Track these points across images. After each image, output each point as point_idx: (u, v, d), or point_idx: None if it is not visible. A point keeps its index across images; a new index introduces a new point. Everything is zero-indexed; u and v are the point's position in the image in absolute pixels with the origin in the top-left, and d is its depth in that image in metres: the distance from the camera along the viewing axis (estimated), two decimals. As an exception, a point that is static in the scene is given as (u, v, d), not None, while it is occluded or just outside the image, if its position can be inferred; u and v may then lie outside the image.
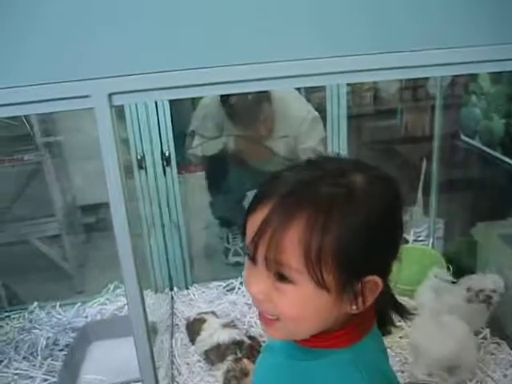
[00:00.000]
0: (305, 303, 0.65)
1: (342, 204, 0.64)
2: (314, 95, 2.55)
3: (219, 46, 0.94)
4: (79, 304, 2.13)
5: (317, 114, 2.28)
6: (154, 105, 1.93)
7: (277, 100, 2.33)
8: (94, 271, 2.43)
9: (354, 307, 0.67)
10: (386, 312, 0.78)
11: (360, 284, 0.66)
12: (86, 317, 2.06)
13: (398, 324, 0.82)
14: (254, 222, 0.66)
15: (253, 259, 0.67)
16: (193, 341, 1.87)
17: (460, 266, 2.02)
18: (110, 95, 0.93)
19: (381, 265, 0.68)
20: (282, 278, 0.65)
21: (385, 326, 0.78)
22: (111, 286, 2.19)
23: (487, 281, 1.74)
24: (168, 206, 2.07)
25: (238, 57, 0.93)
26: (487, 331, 1.80)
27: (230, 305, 2.08)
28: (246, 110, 2.22)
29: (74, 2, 0.90)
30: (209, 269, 2.49)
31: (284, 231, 0.63)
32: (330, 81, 1.01)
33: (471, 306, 1.72)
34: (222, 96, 2.17)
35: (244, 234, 0.69)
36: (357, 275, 0.65)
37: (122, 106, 2.00)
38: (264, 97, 2.24)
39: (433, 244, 2.31)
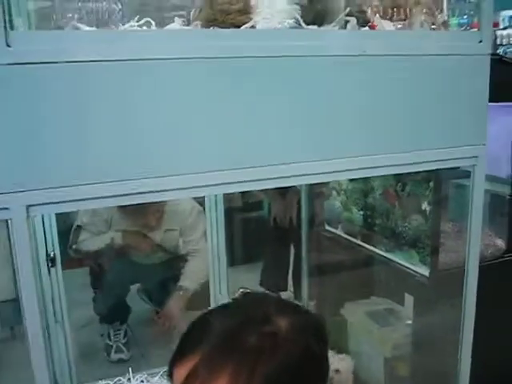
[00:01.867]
0: None
1: (267, 359, 0.67)
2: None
3: (131, 161, 1.06)
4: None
5: (200, 207, 2.44)
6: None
7: None
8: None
9: None
10: None
11: None
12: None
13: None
14: (180, 374, 0.69)
15: None
16: None
17: (335, 343, 2.21)
18: (27, 207, 1.01)
19: None
20: None
21: None
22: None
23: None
24: (53, 307, 2.05)
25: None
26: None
27: (120, 403, 2.07)
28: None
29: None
30: (94, 367, 2.45)
31: None
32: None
33: None
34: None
35: (171, 376, 0.73)
36: None
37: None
38: None
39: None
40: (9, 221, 1.03)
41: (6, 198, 0.99)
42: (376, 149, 1.24)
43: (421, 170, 1.38)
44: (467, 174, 1.43)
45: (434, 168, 1.40)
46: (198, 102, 1.08)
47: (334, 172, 1.24)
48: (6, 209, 0.99)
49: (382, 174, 1.30)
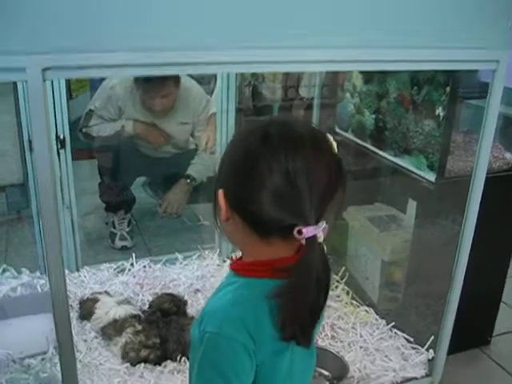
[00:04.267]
0: None
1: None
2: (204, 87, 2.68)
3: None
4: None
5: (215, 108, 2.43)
6: (50, 85, 1.90)
7: (183, 86, 2.46)
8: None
9: None
10: None
11: None
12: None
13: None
14: None
15: None
16: (87, 319, 1.90)
17: (334, 245, 2.27)
18: (43, 70, 1.00)
19: None
20: None
21: None
22: (-1, 270, 2.15)
23: None
24: (61, 189, 2.07)
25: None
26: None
27: (122, 285, 2.13)
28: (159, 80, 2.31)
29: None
30: (98, 252, 2.52)
31: None
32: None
33: None
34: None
35: None
36: None
37: (15, 84, 1.99)
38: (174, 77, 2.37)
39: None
40: (24, 83, 1.02)
41: (23, 59, 0.97)
42: (401, 42, 1.22)
43: (443, 69, 1.36)
44: (482, 96, 1.42)
45: (457, 69, 1.38)
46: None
47: (347, 61, 1.23)
48: (23, 70, 0.98)
49: (406, 68, 1.29)
